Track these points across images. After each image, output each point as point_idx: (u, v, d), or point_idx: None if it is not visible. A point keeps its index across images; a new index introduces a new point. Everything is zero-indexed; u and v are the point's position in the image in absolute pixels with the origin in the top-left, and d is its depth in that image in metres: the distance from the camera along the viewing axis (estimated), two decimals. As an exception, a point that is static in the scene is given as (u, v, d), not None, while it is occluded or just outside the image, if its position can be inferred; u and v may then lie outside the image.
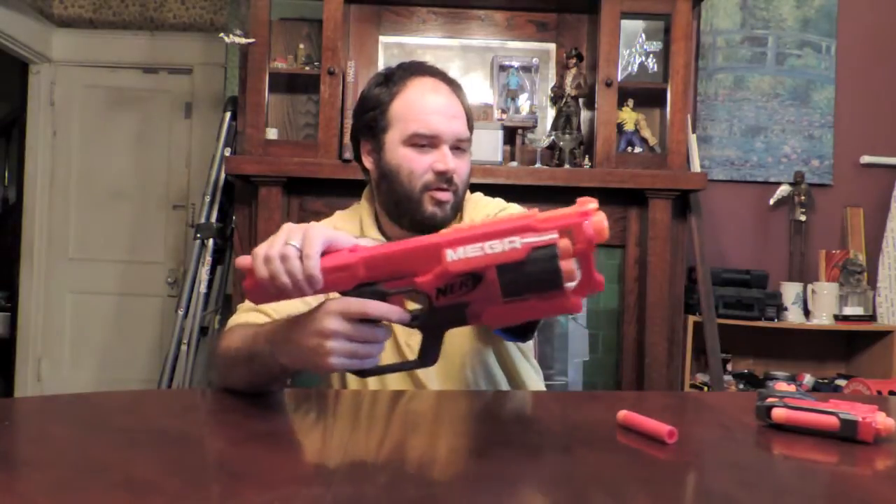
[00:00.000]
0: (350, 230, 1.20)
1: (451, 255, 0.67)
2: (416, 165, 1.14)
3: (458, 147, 1.16)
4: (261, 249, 0.77)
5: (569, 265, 0.65)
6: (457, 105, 1.18)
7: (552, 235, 0.65)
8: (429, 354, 0.75)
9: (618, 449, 0.74)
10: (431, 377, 1.12)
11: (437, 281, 0.69)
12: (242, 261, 0.79)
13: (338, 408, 0.92)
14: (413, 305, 0.76)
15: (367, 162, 1.21)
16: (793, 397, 0.80)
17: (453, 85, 1.20)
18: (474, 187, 1.27)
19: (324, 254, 0.76)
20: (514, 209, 1.24)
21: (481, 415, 0.94)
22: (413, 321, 0.74)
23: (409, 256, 0.71)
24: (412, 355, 1.17)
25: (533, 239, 0.65)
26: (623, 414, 0.79)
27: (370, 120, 1.18)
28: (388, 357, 1.14)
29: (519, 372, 1.19)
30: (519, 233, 0.65)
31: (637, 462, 0.70)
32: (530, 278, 0.65)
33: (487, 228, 0.67)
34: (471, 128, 1.21)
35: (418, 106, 1.15)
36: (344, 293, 0.76)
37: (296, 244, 0.76)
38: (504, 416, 0.94)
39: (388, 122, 1.17)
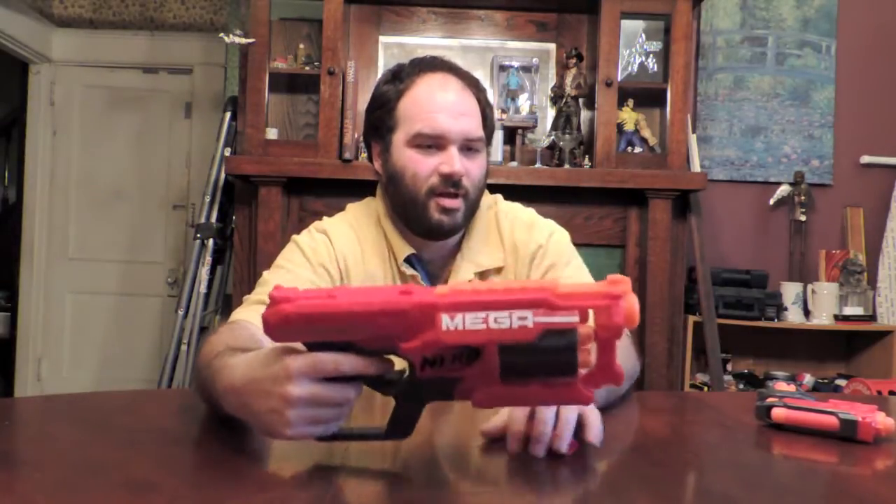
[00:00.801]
0: (366, 226, 1.17)
1: (448, 322, 0.56)
2: (421, 168, 1.07)
3: (470, 147, 1.09)
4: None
5: (586, 354, 0.56)
6: (468, 102, 1.10)
7: (573, 318, 0.54)
8: (400, 426, 0.62)
9: (618, 449, 0.74)
10: None
11: (425, 349, 0.57)
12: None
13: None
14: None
15: (377, 164, 1.15)
16: (792, 397, 0.80)
17: (467, 80, 1.13)
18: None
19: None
20: (561, 237, 1.17)
21: (484, 414, 0.94)
22: (389, 388, 0.62)
23: (395, 314, 0.58)
24: None
25: (549, 319, 0.54)
26: None
27: (378, 119, 1.13)
28: None
29: None
30: (533, 307, 0.55)
31: (637, 462, 0.70)
32: (538, 364, 0.56)
33: (495, 296, 0.55)
34: (489, 126, 1.13)
35: (424, 104, 1.08)
36: (310, 346, 0.62)
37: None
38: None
39: (395, 121, 1.10)
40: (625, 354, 0.86)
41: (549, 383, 0.57)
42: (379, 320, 0.58)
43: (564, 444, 0.66)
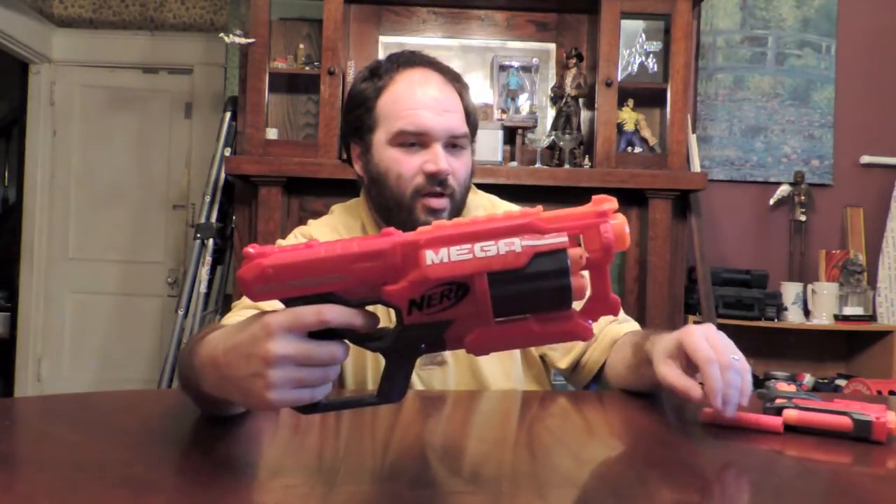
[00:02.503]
0: (352, 231, 1.13)
1: (432, 257, 0.53)
2: (405, 167, 1.02)
3: (455, 144, 1.05)
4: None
5: (580, 279, 0.53)
6: (450, 98, 1.06)
7: (561, 239, 0.53)
8: (392, 388, 0.58)
9: (619, 448, 0.74)
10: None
11: (411, 290, 0.54)
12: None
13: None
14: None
15: (357, 166, 1.11)
16: (800, 397, 0.80)
17: (448, 75, 1.08)
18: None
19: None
20: None
21: (486, 414, 0.94)
22: (376, 343, 0.58)
23: (376, 255, 0.55)
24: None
25: (537, 242, 0.52)
26: None
27: (356, 119, 1.08)
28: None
29: None
30: (519, 233, 0.53)
31: (637, 462, 0.70)
32: (531, 292, 0.52)
33: (480, 226, 0.54)
34: (473, 124, 1.09)
35: (405, 101, 1.04)
36: (288, 302, 0.58)
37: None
38: (507, 415, 0.94)
39: (375, 120, 1.06)
40: None
41: (546, 318, 0.54)
42: (360, 264, 0.55)
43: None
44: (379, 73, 1.07)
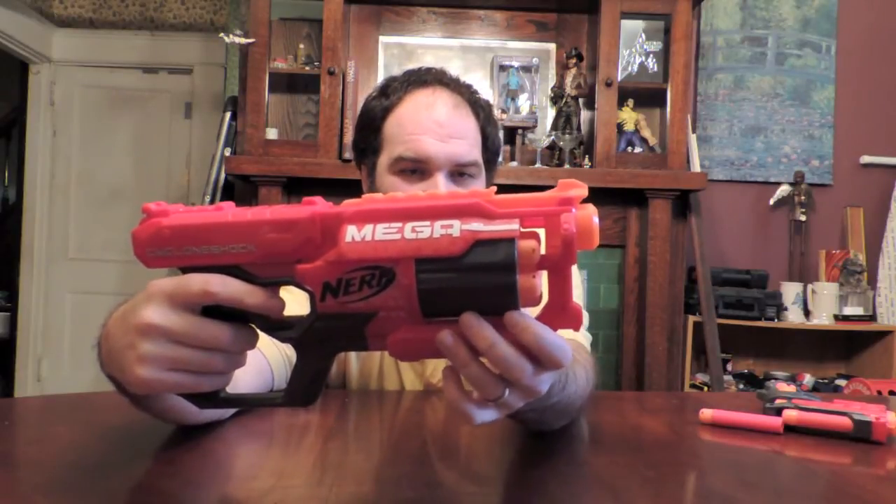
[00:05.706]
0: None
1: (353, 234, 0.45)
2: None
3: (464, 173, 0.97)
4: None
5: (531, 279, 0.43)
6: (460, 121, 0.97)
7: (511, 226, 0.43)
8: (302, 388, 0.49)
9: (618, 449, 0.74)
10: None
11: (326, 272, 0.45)
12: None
13: (341, 408, 0.92)
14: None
15: (364, 187, 1.04)
16: (799, 398, 0.80)
17: (463, 95, 1.00)
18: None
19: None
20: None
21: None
22: (286, 332, 0.48)
23: (288, 225, 0.47)
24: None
25: (480, 227, 0.43)
26: None
27: (363, 140, 1.02)
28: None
29: None
30: (462, 215, 0.43)
31: (637, 462, 0.70)
32: (467, 289, 0.43)
33: (416, 203, 0.45)
34: (490, 148, 1.01)
35: (407, 124, 0.96)
36: (185, 270, 0.50)
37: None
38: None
39: (380, 143, 0.99)
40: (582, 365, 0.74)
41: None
42: (271, 235, 0.47)
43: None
44: (387, 93, 1.00)
